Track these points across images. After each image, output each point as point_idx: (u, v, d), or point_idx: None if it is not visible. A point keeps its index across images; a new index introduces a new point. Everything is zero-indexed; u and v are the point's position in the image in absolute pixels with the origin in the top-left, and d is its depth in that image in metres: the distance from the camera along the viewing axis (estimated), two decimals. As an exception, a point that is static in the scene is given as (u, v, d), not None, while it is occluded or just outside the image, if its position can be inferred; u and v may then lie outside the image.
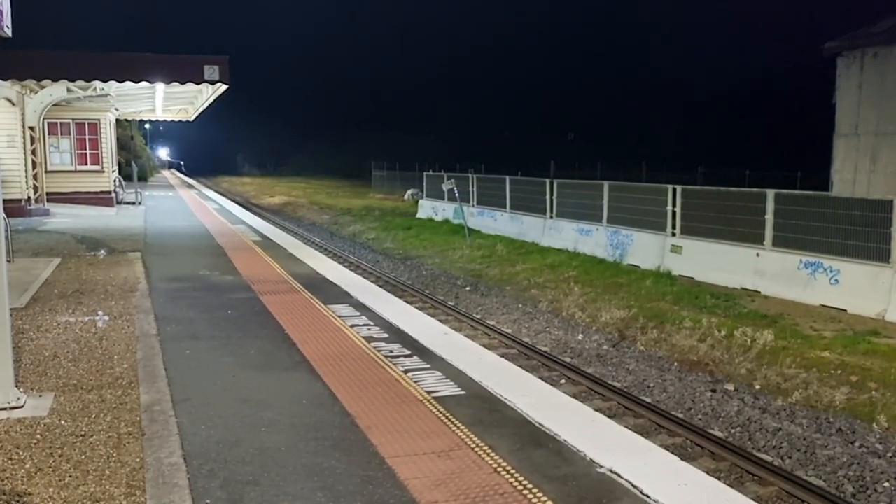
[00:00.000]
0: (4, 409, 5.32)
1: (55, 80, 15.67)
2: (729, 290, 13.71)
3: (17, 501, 4.01)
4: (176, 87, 16.51)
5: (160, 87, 16.75)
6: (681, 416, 8.50)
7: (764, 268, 13.58)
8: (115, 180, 26.23)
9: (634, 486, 4.23)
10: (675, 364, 10.57)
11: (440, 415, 5.38)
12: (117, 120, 30.71)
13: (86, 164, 23.97)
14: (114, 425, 5.10)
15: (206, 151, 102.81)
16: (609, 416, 6.53)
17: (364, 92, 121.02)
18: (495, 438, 4.94)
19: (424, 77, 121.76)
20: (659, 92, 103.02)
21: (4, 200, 5.61)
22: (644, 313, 12.44)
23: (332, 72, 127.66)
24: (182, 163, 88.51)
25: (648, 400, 9.01)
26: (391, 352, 7.06)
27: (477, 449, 4.77)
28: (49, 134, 22.98)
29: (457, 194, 24.16)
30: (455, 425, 5.17)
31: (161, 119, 32.15)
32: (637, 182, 21.17)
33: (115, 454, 4.62)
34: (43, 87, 18.85)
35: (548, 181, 20.78)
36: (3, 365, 5.40)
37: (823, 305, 12.23)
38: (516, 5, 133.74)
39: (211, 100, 19.96)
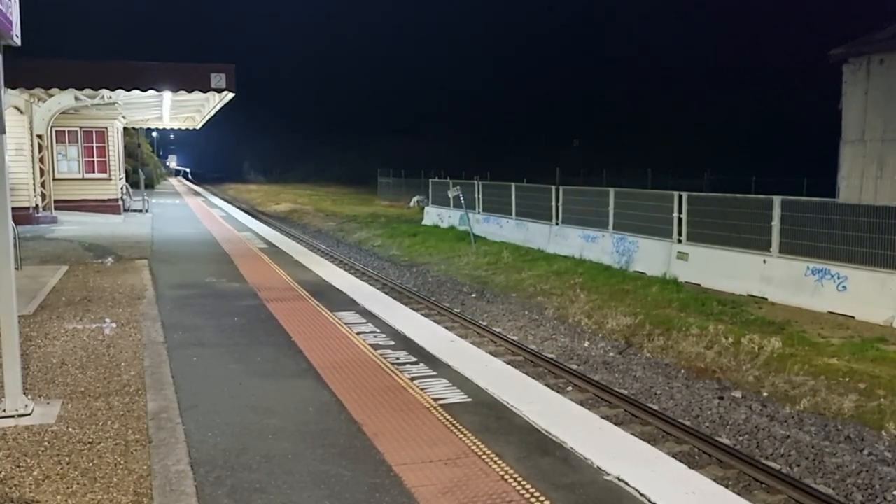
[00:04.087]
0: (12, 416, 5.34)
1: (63, 88, 15.79)
2: (736, 296, 13.66)
3: (26, 509, 4.03)
4: (183, 96, 16.61)
5: (167, 95, 16.85)
6: (688, 423, 8.46)
7: (771, 274, 13.53)
8: (122, 188, 26.35)
9: (642, 495, 4.21)
10: (682, 371, 10.54)
11: (447, 422, 5.37)
12: (125, 128, 30.88)
13: (93, 171, 24.09)
14: (121, 433, 5.11)
15: (212, 159, 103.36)
16: (616, 424, 6.51)
17: (369, 99, 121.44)
18: (502, 446, 4.93)
19: (429, 84, 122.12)
20: (664, 98, 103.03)
21: (13, 208, 5.63)
22: (650, 320, 12.40)
23: (338, 79, 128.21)
24: (188, 170, 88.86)
25: (655, 407, 8.97)
26: (398, 359, 7.06)
27: (484, 457, 4.76)
28: (57, 142, 23.10)
29: (462, 201, 24.18)
30: (462, 433, 5.17)
31: (168, 127, 32.31)
32: (643, 188, 21.12)
33: (122, 462, 4.63)
34: (51, 96, 18.95)
35: (553, 188, 20.77)
36: (12, 372, 5.42)
37: (831, 312, 12.17)
38: (520, 12, 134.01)
39: (218, 108, 20.05)
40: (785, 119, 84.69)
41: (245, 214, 29.41)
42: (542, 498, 4.17)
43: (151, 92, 15.04)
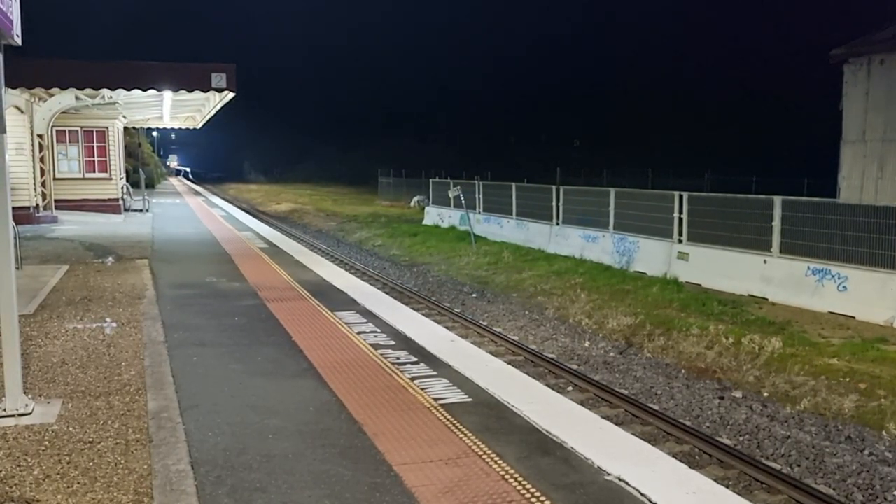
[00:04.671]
0: (13, 415, 5.34)
1: (64, 88, 15.82)
2: (736, 296, 13.66)
3: (26, 508, 4.02)
4: (183, 95, 16.64)
5: (168, 94, 16.87)
6: (689, 423, 8.45)
7: (771, 274, 13.53)
8: (122, 187, 26.36)
9: (642, 495, 4.21)
10: (683, 371, 10.53)
11: (447, 422, 5.37)
12: (125, 127, 30.88)
13: (94, 171, 24.10)
14: (122, 432, 5.11)
15: (213, 159, 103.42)
16: (616, 424, 6.51)
17: (370, 99, 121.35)
18: (503, 446, 4.93)
19: (430, 84, 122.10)
20: (665, 98, 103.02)
21: (13, 208, 5.63)
22: (651, 320, 12.40)
23: (339, 79, 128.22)
24: (189, 170, 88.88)
25: (656, 407, 8.97)
26: (398, 359, 7.06)
27: (484, 456, 4.76)
28: (57, 141, 23.11)
29: (463, 201, 24.19)
30: (462, 432, 5.16)
31: (169, 127, 32.35)
32: (643, 189, 21.12)
33: (122, 461, 4.63)
34: (51, 95, 18.96)
35: (554, 188, 20.77)
36: (12, 372, 5.42)
37: (831, 312, 12.17)
38: (521, 14, 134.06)
39: (218, 107, 20.08)
40: (785, 119, 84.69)
41: (245, 214, 29.42)
42: (542, 498, 4.17)
43: (152, 92, 15.07)
